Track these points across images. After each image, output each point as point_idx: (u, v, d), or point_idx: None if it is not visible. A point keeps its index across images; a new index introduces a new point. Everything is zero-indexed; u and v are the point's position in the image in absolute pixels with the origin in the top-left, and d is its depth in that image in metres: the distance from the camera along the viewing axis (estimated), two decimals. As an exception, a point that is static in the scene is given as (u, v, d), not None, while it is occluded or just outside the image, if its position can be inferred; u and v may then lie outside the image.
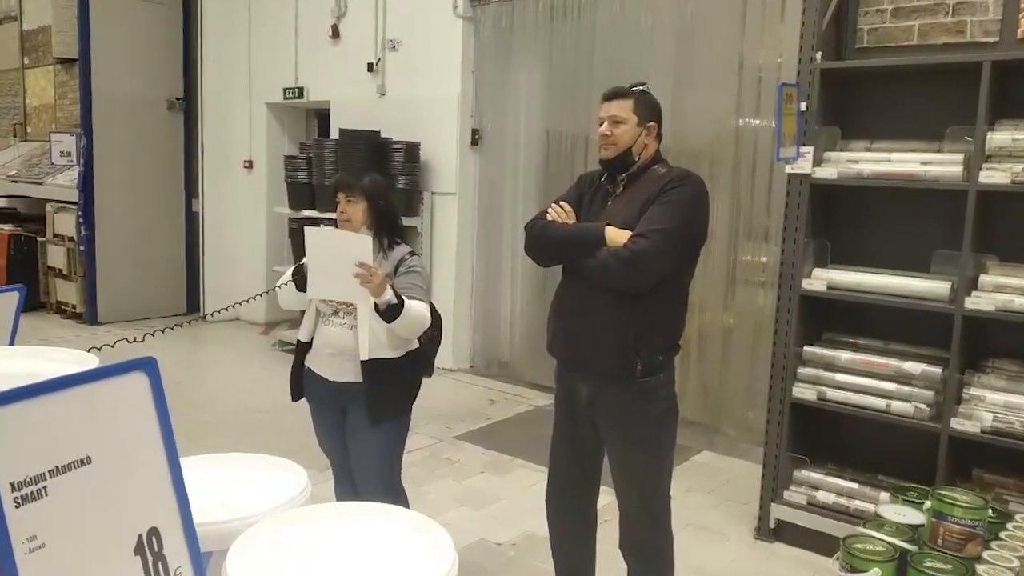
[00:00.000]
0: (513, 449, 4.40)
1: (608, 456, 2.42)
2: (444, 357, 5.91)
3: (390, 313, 2.44)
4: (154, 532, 1.00)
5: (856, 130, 3.25)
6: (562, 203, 2.39)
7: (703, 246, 2.36)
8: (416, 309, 2.50)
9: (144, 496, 1.00)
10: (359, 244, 2.40)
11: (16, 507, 0.84)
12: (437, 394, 5.22)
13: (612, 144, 2.30)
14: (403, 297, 2.47)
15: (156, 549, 1.00)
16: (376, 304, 2.43)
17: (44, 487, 0.87)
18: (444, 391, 5.50)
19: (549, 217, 2.37)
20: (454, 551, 1.28)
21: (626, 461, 2.36)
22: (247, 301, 2.81)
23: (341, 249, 2.41)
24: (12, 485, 0.84)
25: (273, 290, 2.69)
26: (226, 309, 2.89)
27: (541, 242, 2.39)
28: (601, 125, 2.33)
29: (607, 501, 2.48)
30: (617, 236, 2.20)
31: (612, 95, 2.34)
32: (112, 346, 1.64)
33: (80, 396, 0.93)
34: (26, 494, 0.85)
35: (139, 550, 0.98)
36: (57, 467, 0.89)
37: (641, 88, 2.34)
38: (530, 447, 4.23)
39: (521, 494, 3.82)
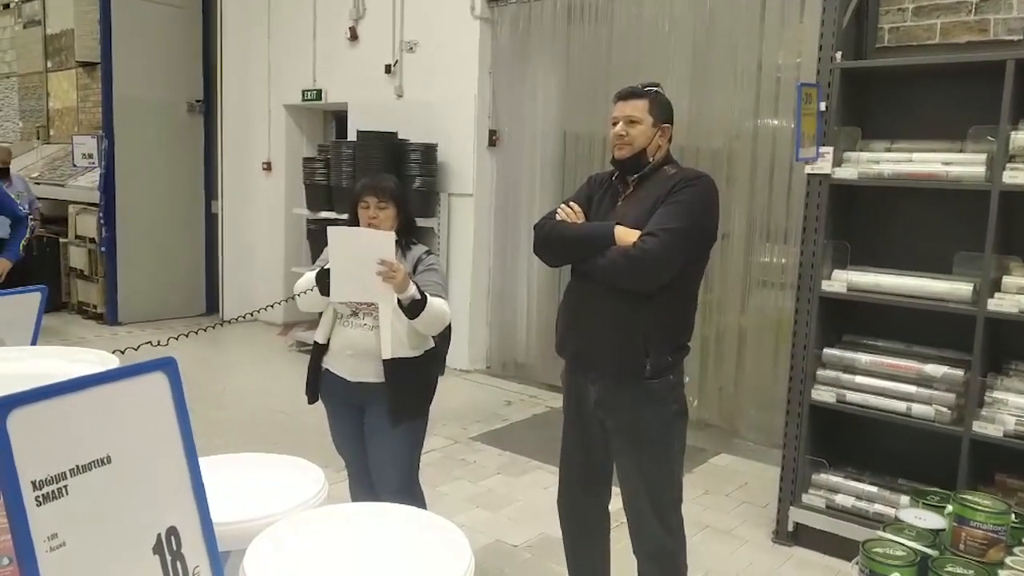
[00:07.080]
0: (529, 450, 4.40)
1: (615, 459, 2.40)
2: (460, 358, 5.92)
3: (413, 309, 2.45)
4: (173, 531, 1.01)
5: (877, 130, 3.21)
6: (571, 203, 2.38)
7: (713, 246, 2.35)
8: (438, 305, 2.51)
9: (163, 495, 1.01)
10: (383, 241, 2.39)
11: (38, 505, 0.85)
12: (453, 395, 5.22)
13: (627, 144, 2.29)
14: (425, 293, 2.48)
15: (175, 548, 1.01)
16: (400, 300, 2.44)
17: (65, 486, 0.88)
18: (460, 392, 5.50)
19: (558, 217, 2.36)
20: (470, 552, 1.28)
21: (634, 464, 2.34)
22: (268, 308, 2.80)
23: (365, 247, 2.40)
24: (34, 484, 0.85)
25: (294, 298, 2.64)
26: (248, 315, 2.88)
27: (550, 241, 2.38)
28: (616, 125, 2.31)
29: (621, 504, 2.46)
30: (627, 235, 2.19)
31: (627, 95, 2.33)
32: (136, 349, 1.66)
33: (100, 396, 0.94)
34: (47, 492, 0.86)
35: (158, 549, 0.99)
36: (78, 466, 0.90)
37: (656, 89, 2.33)
38: (546, 448, 4.22)
39: (537, 495, 3.81)
